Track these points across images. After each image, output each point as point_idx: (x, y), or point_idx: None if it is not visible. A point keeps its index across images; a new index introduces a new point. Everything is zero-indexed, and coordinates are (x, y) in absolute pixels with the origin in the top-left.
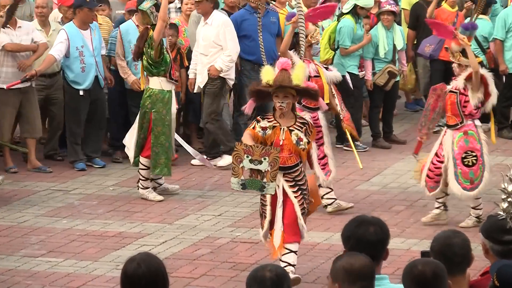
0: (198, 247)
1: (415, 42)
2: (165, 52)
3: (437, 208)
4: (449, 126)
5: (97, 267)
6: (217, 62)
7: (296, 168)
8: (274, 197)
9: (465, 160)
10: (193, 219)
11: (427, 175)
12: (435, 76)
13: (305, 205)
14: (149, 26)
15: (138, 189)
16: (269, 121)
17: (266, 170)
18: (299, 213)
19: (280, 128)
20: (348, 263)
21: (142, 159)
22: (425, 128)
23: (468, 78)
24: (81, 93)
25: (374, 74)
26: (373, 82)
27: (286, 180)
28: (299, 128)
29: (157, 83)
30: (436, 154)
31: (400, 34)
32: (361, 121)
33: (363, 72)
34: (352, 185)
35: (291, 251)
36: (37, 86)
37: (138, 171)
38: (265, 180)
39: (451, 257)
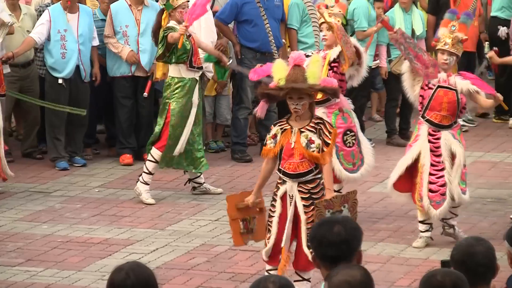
0: (193, 256)
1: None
2: (185, 40)
3: (427, 230)
4: (441, 127)
5: (80, 277)
6: None
7: (310, 176)
8: (284, 209)
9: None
10: (188, 224)
11: (430, 190)
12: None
13: None
14: (164, 8)
15: (136, 182)
16: (280, 124)
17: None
18: (304, 235)
19: (291, 130)
20: (350, 275)
21: (154, 151)
22: (402, 38)
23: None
24: (59, 81)
25: (390, 62)
26: (389, 70)
27: (299, 191)
28: (311, 129)
29: (177, 71)
30: (431, 164)
31: (420, 19)
32: (361, 114)
33: (377, 62)
34: (364, 187)
35: (304, 279)
36: (10, 78)
37: (145, 163)
38: None
39: (474, 267)
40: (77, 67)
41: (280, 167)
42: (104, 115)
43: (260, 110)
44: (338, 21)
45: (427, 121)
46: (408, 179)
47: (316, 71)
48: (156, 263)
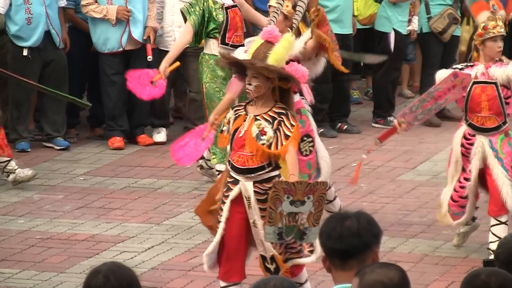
0: (194, 255)
1: None
2: (215, 11)
3: (466, 225)
4: (482, 130)
5: (63, 280)
6: None
7: (263, 173)
8: (234, 214)
9: None
10: (188, 218)
11: (451, 197)
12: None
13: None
14: None
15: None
16: (236, 109)
17: (309, 212)
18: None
19: (246, 117)
20: (387, 276)
21: None
22: (412, 115)
23: None
24: (24, 53)
25: (429, 19)
26: (430, 27)
27: (255, 192)
28: (268, 119)
29: (208, 46)
30: (463, 170)
31: None
32: (392, 90)
33: (410, 27)
34: (394, 174)
35: (297, 283)
36: None
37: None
38: (306, 224)
39: None
40: (47, 33)
41: (229, 159)
42: (87, 90)
43: (231, 87)
44: (287, 6)
45: (469, 125)
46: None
47: (280, 51)
48: (151, 263)
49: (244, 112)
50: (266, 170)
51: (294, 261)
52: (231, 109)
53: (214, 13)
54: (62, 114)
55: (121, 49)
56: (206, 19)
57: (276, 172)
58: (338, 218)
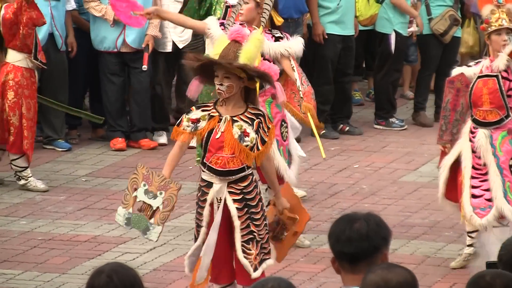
0: None
1: None
2: (215, 5)
3: (470, 245)
4: (484, 124)
5: (65, 281)
6: None
7: (242, 175)
8: (213, 217)
9: None
10: (189, 220)
11: (473, 195)
12: None
13: (252, 229)
14: None
15: None
16: (205, 110)
17: (157, 208)
18: (239, 244)
19: (220, 119)
20: (383, 279)
21: None
22: (447, 133)
23: None
24: None
25: (430, 20)
26: (431, 29)
27: (230, 192)
28: (247, 120)
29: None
30: (473, 167)
31: None
32: (393, 91)
33: (412, 29)
34: (395, 175)
35: None
36: None
37: None
38: (152, 220)
39: None
40: (51, 34)
41: (205, 161)
42: (89, 90)
43: (191, 89)
44: None
45: (474, 120)
46: (455, 186)
47: (251, 49)
48: (153, 265)
49: (218, 114)
50: (246, 171)
51: (267, 262)
52: (195, 108)
53: (213, 7)
54: (61, 117)
55: (115, 49)
56: (208, 4)
57: (250, 171)
58: (347, 220)
